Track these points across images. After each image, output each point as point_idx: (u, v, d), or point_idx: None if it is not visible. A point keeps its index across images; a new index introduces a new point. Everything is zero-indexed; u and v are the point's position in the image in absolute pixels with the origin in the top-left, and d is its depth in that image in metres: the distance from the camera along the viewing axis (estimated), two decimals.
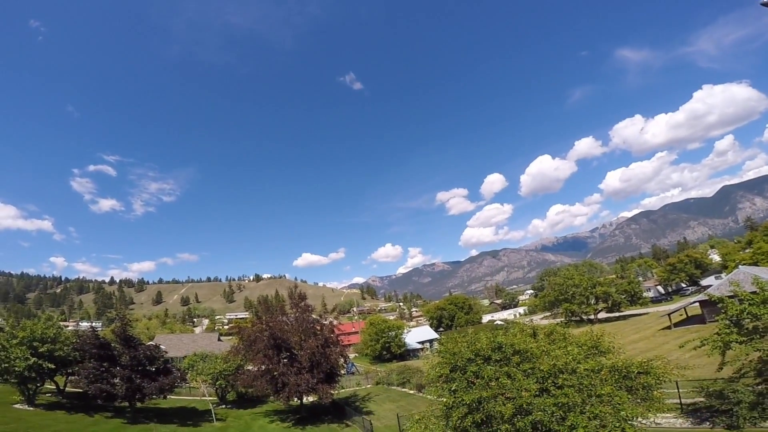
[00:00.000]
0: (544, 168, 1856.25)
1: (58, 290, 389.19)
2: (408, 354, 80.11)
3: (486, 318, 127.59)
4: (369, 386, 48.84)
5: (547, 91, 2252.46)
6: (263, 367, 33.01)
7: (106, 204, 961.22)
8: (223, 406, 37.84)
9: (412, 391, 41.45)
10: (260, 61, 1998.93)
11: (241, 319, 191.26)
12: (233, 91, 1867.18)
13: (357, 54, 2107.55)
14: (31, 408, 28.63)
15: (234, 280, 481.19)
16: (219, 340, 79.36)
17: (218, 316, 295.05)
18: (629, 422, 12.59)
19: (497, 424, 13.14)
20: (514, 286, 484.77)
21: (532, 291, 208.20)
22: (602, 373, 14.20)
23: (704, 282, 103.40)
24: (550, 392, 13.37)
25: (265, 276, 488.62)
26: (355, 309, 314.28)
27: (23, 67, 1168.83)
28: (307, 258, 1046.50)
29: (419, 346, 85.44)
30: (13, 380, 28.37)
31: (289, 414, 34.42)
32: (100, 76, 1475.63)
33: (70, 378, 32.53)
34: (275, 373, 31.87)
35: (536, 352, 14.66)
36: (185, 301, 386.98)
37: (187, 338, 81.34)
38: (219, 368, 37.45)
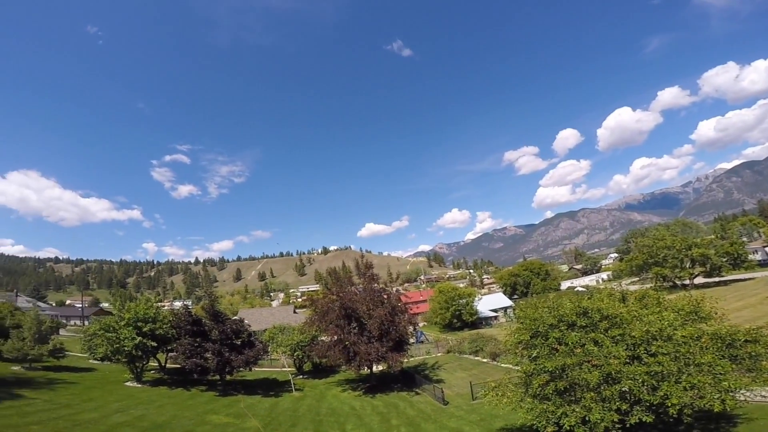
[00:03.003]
0: (623, 120, 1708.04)
1: (152, 273, 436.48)
2: (480, 322, 79.27)
3: (565, 285, 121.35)
4: (439, 355, 49.11)
5: (620, 41, 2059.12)
6: (335, 337, 34.29)
7: (185, 190, 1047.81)
8: (300, 377, 40.12)
9: (485, 360, 40.94)
10: (305, 38, 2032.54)
11: (312, 291, 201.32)
12: (283, 71, 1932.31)
13: (402, 19, 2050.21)
14: (139, 385, 31.79)
15: (304, 253, 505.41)
16: (294, 312, 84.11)
17: (292, 290, 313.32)
18: (731, 393, 11.57)
19: (581, 392, 12.56)
20: (596, 250, 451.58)
21: (616, 254, 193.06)
22: (702, 340, 12.94)
23: None
24: (641, 360, 12.50)
25: (332, 248, 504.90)
26: (422, 277, 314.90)
27: (92, 73, 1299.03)
28: (370, 228, 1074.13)
29: (492, 314, 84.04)
30: (123, 359, 31.55)
31: (359, 383, 35.62)
32: (160, 72, 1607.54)
33: (169, 355, 35.77)
34: (347, 343, 32.97)
35: (627, 318, 13.63)
36: (262, 276, 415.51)
37: (266, 312, 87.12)
38: (296, 339, 39.58)
